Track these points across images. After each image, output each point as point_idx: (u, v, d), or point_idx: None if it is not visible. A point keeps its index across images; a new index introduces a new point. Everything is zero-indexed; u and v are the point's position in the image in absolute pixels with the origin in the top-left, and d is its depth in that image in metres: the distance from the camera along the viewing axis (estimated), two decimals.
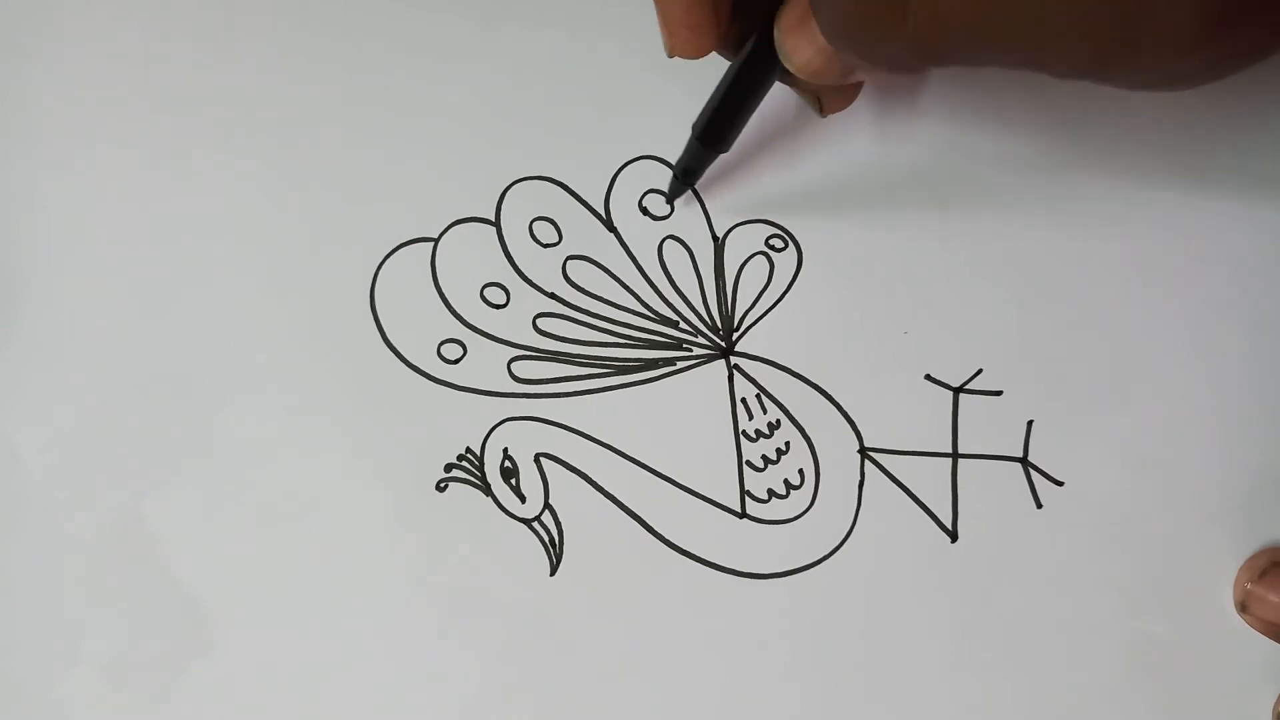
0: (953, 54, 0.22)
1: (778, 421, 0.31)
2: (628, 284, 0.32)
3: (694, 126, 0.29)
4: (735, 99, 0.27)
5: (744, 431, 0.31)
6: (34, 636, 0.31)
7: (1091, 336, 0.31)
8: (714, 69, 0.27)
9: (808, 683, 0.30)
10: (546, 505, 0.31)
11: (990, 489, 0.31)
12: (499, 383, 0.31)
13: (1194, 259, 0.31)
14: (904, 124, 0.32)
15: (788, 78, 0.27)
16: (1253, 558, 0.30)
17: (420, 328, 0.32)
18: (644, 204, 0.32)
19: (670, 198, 0.32)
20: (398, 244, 0.32)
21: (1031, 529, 0.30)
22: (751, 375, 0.31)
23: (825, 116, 0.30)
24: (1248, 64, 0.21)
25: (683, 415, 0.31)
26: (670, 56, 0.24)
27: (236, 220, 0.32)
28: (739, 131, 0.29)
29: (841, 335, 0.31)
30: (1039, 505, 0.30)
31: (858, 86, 0.30)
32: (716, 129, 0.29)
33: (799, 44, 0.24)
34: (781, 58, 0.24)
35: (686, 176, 0.31)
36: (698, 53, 0.24)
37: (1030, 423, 0.31)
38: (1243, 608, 0.29)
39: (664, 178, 0.32)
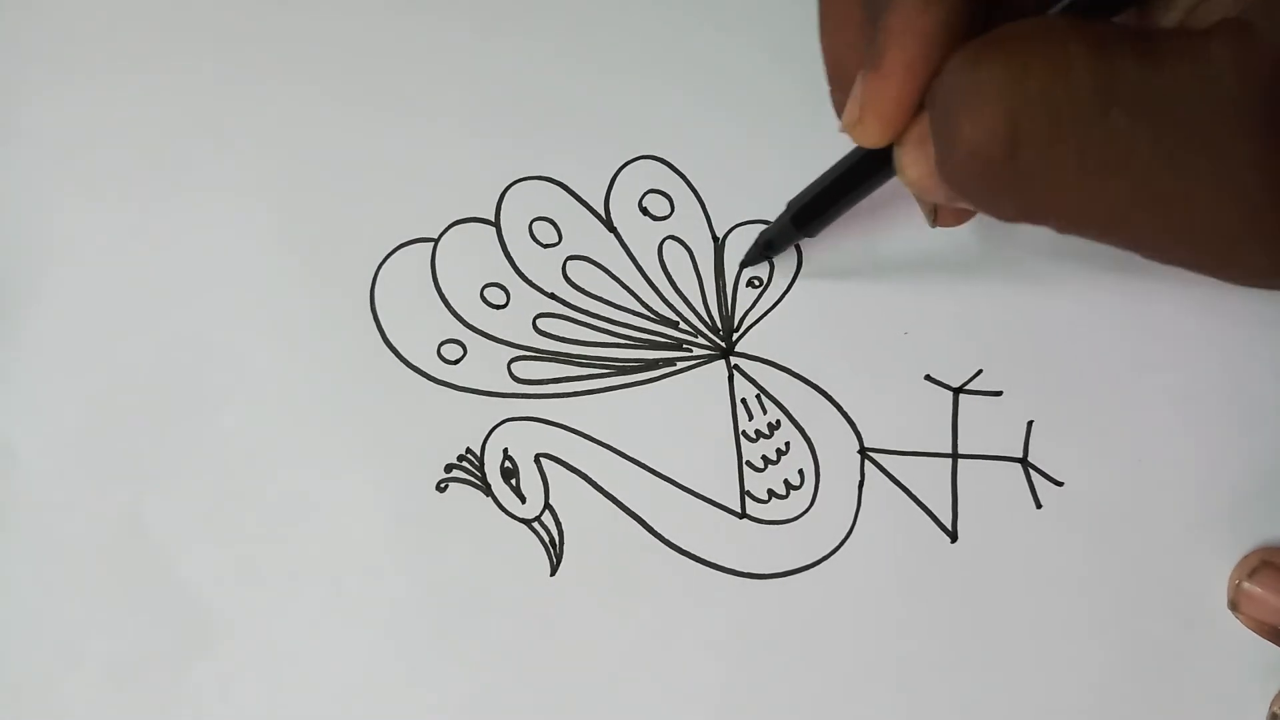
0: (1053, 225, 0.22)
1: (778, 422, 0.31)
2: (628, 284, 0.32)
3: (790, 204, 0.28)
4: (840, 190, 0.27)
5: (744, 432, 0.31)
6: (34, 636, 0.30)
7: (1091, 336, 0.31)
8: (720, 79, 0.27)
9: (808, 683, 0.30)
10: (547, 505, 0.31)
11: (990, 489, 0.31)
12: (499, 383, 0.31)
13: None
14: None
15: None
16: (1245, 557, 0.30)
17: (420, 328, 0.32)
18: (644, 204, 0.32)
19: (746, 264, 0.32)
20: (398, 244, 0.32)
21: (1031, 529, 0.30)
22: (751, 375, 0.31)
23: (934, 228, 0.29)
24: None
25: (683, 415, 0.31)
26: (844, 131, 0.23)
27: (236, 221, 0.32)
28: (833, 220, 0.28)
29: (841, 335, 0.31)
30: (1039, 505, 0.31)
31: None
32: (812, 214, 0.28)
33: (915, 160, 0.23)
34: (896, 167, 0.24)
35: (768, 249, 0.31)
36: (876, 144, 0.23)
37: (1030, 423, 0.31)
38: (1234, 606, 0.30)
39: (665, 178, 0.32)
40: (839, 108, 0.25)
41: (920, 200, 0.28)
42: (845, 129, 0.23)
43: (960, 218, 0.29)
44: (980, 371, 0.31)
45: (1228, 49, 0.19)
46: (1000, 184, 0.21)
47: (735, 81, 0.33)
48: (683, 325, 0.32)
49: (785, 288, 0.32)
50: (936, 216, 0.29)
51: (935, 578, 0.30)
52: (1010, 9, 0.21)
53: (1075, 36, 0.19)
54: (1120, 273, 0.31)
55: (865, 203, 0.31)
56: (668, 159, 0.32)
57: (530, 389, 0.31)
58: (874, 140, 0.23)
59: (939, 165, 0.21)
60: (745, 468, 0.31)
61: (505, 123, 0.33)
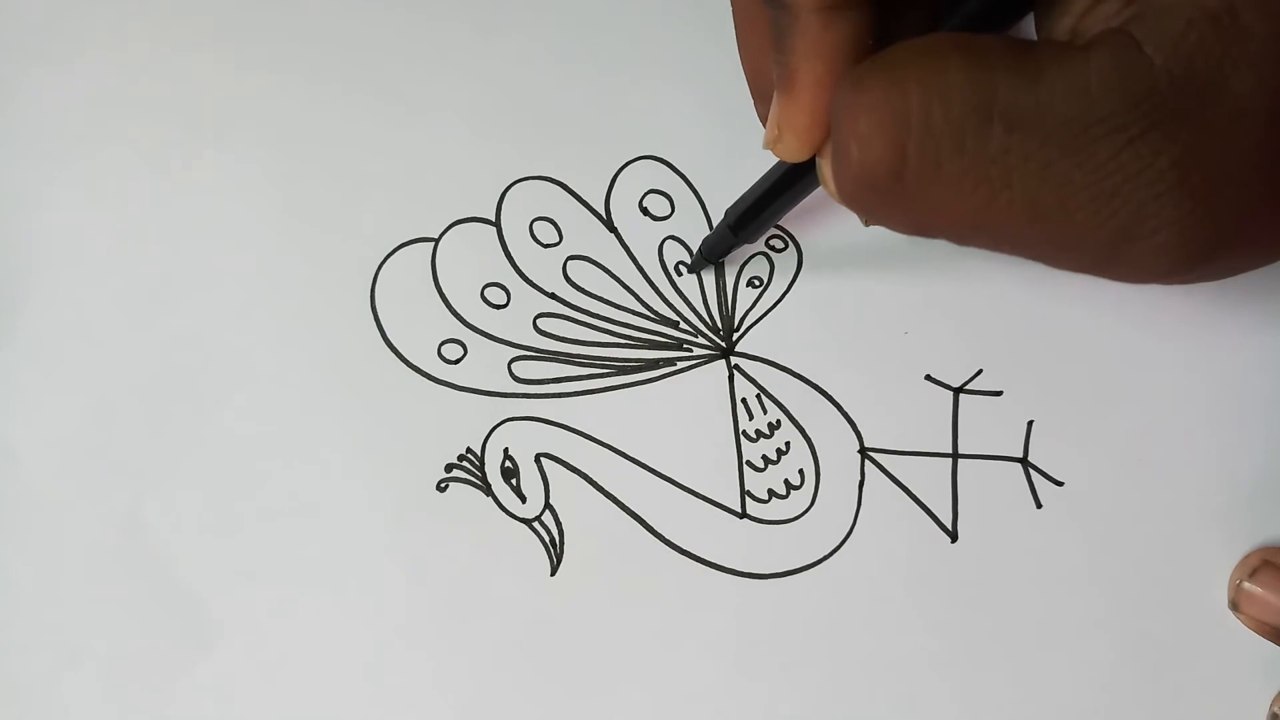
0: (948, 238, 0.22)
1: (778, 422, 0.31)
2: (628, 284, 0.32)
3: (728, 212, 0.29)
4: (772, 198, 0.28)
5: (744, 432, 0.31)
6: (34, 636, 0.30)
7: (1091, 336, 0.31)
8: (719, 79, 0.27)
9: (808, 683, 0.30)
10: (547, 505, 0.31)
11: (990, 489, 0.31)
12: (499, 383, 0.31)
13: None
14: None
15: None
16: (1245, 557, 0.30)
17: (420, 328, 0.32)
18: (644, 204, 0.32)
19: (692, 270, 0.32)
20: (398, 244, 0.32)
21: (1031, 529, 0.30)
22: (752, 375, 0.31)
23: (868, 226, 0.30)
24: (1236, 274, 0.22)
25: (683, 415, 0.31)
26: (767, 148, 0.24)
27: (237, 220, 0.32)
28: (769, 227, 0.29)
29: (841, 335, 0.31)
30: (1039, 505, 0.31)
31: None
32: (748, 220, 0.29)
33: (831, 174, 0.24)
34: (819, 178, 0.24)
35: (710, 255, 0.31)
36: (796, 159, 0.24)
37: (1030, 423, 0.31)
38: (1235, 606, 0.30)
39: (665, 178, 0.32)
40: (764, 123, 0.25)
41: None
42: (767, 146, 0.24)
43: None
44: (980, 371, 0.31)
45: (1106, 61, 0.19)
46: (890, 202, 0.21)
47: (735, 82, 0.33)
48: (683, 325, 0.32)
49: (785, 288, 0.32)
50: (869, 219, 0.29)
51: (935, 578, 0.30)
52: (913, 23, 0.22)
53: (955, 54, 0.20)
54: None
55: None
56: (668, 159, 0.32)
57: (530, 389, 0.31)
58: (794, 156, 0.24)
59: (836, 183, 0.22)
60: (745, 467, 0.31)
61: (506, 123, 0.33)
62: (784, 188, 0.27)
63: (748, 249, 0.32)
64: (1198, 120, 0.19)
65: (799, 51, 0.22)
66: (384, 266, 0.32)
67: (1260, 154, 0.19)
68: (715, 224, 0.31)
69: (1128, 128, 0.19)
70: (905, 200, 0.21)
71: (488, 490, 0.31)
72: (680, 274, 0.32)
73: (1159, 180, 0.19)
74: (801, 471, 0.31)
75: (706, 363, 0.31)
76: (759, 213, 0.28)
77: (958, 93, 0.20)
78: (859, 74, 0.21)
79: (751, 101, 0.27)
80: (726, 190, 0.32)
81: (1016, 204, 0.20)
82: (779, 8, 0.22)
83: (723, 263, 0.32)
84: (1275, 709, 0.29)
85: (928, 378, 0.31)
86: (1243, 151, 0.19)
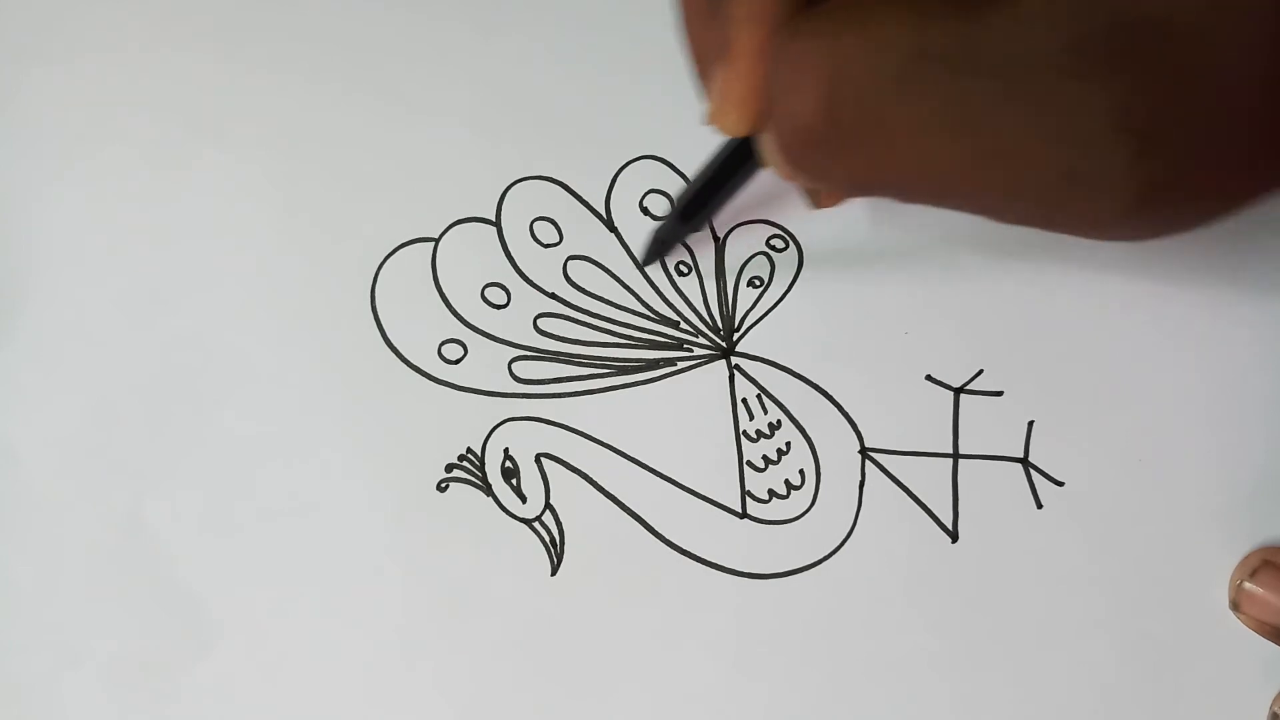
0: (890, 196, 0.22)
1: (778, 422, 0.31)
2: (628, 284, 0.32)
3: (676, 201, 0.29)
4: (718, 183, 0.28)
5: (745, 432, 0.31)
6: (34, 636, 0.30)
7: (1091, 336, 0.31)
8: None
9: (808, 683, 0.30)
10: (547, 505, 0.31)
11: (990, 489, 0.31)
12: (500, 383, 0.31)
13: (1194, 257, 0.31)
14: None
15: None
16: (1246, 557, 0.30)
17: (421, 328, 0.32)
18: (644, 204, 0.32)
19: (645, 263, 0.32)
20: (398, 244, 0.32)
21: (1031, 529, 0.30)
22: (752, 375, 0.31)
23: (818, 209, 0.30)
24: (1184, 230, 0.22)
25: (683, 415, 0.31)
26: (707, 124, 0.24)
27: (237, 221, 0.32)
28: (717, 212, 0.29)
29: (842, 335, 0.31)
30: (1039, 505, 0.31)
31: None
32: (696, 208, 0.29)
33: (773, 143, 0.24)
34: (763, 155, 0.24)
35: (662, 247, 0.31)
36: (738, 133, 0.23)
37: (1031, 423, 0.31)
38: (1235, 606, 0.30)
39: (666, 178, 0.32)
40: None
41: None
42: (709, 121, 0.24)
43: (839, 196, 0.29)
44: (980, 371, 0.31)
45: (1043, 0, 0.19)
46: (829, 156, 0.21)
47: None
48: (683, 325, 0.32)
49: (785, 288, 0.32)
50: (817, 199, 0.29)
51: (936, 578, 0.30)
52: None
53: (892, 1, 0.20)
54: (1121, 272, 0.31)
55: (864, 202, 0.31)
56: (668, 159, 0.32)
57: (531, 389, 0.31)
58: (736, 129, 0.23)
59: (777, 144, 0.22)
60: (746, 467, 0.31)
61: (506, 123, 0.33)
62: (729, 171, 0.27)
63: (746, 250, 0.32)
64: (1139, 59, 0.19)
65: (736, 18, 0.22)
66: (384, 266, 0.32)
67: (1207, 97, 0.19)
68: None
69: (1064, 67, 0.19)
70: (847, 154, 0.21)
71: (488, 490, 0.31)
72: (682, 274, 0.32)
73: (1100, 121, 0.19)
74: (802, 471, 0.31)
75: (707, 363, 0.31)
76: (706, 199, 0.28)
77: (894, 39, 0.19)
78: (794, 27, 0.21)
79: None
80: None
81: (959, 149, 0.20)
82: None
83: (723, 263, 0.32)
84: (1275, 709, 0.29)
85: (928, 378, 0.31)
86: (1190, 93, 0.19)
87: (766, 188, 0.32)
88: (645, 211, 0.32)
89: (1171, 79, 0.19)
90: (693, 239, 0.32)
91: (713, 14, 0.22)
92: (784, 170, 0.23)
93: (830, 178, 0.22)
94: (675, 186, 0.32)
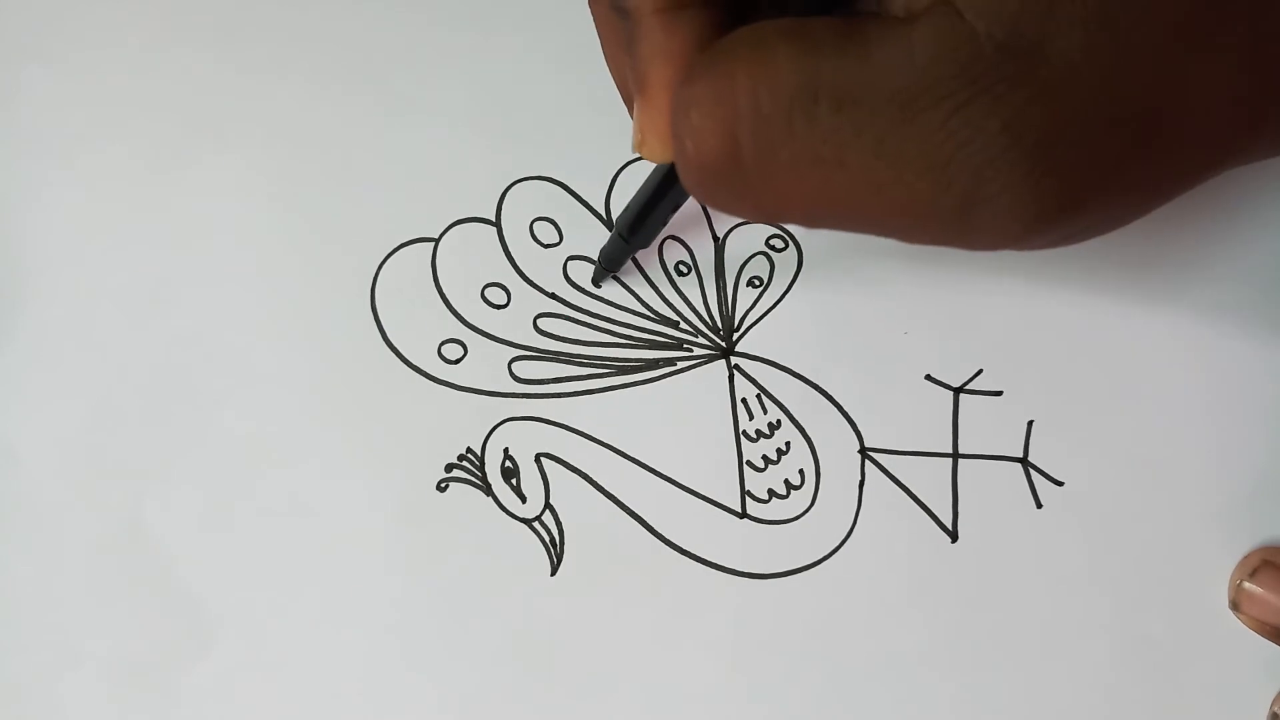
0: (798, 222, 0.22)
1: (778, 422, 0.31)
2: (628, 284, 0.32)
3: (617, 221, 0.29)
4: (655, 202, 0.28)
5: (744, 432, 0.31)
6: (34, 636, 0.30)
7: (1091, 336, 0.31)
8: None
9: (808, 683, 0.30)
10: (547, 505, 0.31)
11: (990, 489, 0.31)
12: (500, 383, 0.31)
13: (1194, 258, 0.31)
14: None
15: None
16: (1246, 557, 0.30)
17: (421, 328, 0.32)
18: None
19: (595, 281, 0.32)
20: (398, 244, 0.32)
21: (1031, 529, 0.30)
22: (752, 375, 0.31)
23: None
24: (1094, 236, 0.22)
25: (683, 415, 0.31)
26: (635, 153, 0.24)
27: (237, 221, 0.32)
28: (659, 230, 0.29)
29: (842, 335, 0.31)
30: (1039, 505, 0.31)
31: None
32: (638, 227, 0.29)
33: None
34: None
35: (609, 265, 0.31)
36: (662, 160, 0.24)
37: (1030, 423, 0.31)
38: (1235, 606, 0.30)
39: None
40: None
41: None
42: (636, 150, 0.24)
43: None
44: (980, 371, 0.31)
45: (929, 31, 0.19)
46: (733, 192, 0.21)
47: None
48: (683, 325, 0.32)
49: (785, 288, 0.32)
50: None
51: (936, 578, 0.30)
52: (768, 16, 0.22)
53: (781, 39, 0.20)
54: (1121, 272, 0.31)
55: None
56: None
57: (531, 389, 0.31)
58: (659, 157, 0.24)
59: (681, 177, 0.22)
60: (746, 467, 0.31)
61: (506, 123, 0.33)
62: (664, 191, 0.27)
63: (746, 250, 0.32)
64: (1027, 83, 0.19)
65: (645, 56, 0.22)
66: (384, 266, 0.32)
67: (1095, 112, 0.19)
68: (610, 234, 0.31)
69: (955, 94, 0.19)
70: (748, 188, 0.21)
71: (488, 490, 0.31)
72: (682, 274, 0.32)
73: (992, 144, 0.19)
74: (802, 471, 0.31)
75: (706, 363, 0.31)
76: (645, 218, 0.28)
77: (783, 77, 0.20)
78: (689, 68, 0.21)
79: None
80: None
81: (855, 181, 0.20)
82: (624, 14, 0.22)
83: (723, 263, 0.32)
84: (1275, 709, 0.29)
85: (928, 378, 0.31)
86: (1077, 111, 0.19)
87: None
88: None
89: (1058, 99, 0.19)
90: (693, 239, 0.32)
91: (627, 49, 0.23)
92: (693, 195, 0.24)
93: (739, 210, 0.22)
94: None
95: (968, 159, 0.19)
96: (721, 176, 0.21)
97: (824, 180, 0.20)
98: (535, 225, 0.32)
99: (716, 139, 0.20)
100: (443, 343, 0.32)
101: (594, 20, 0.25)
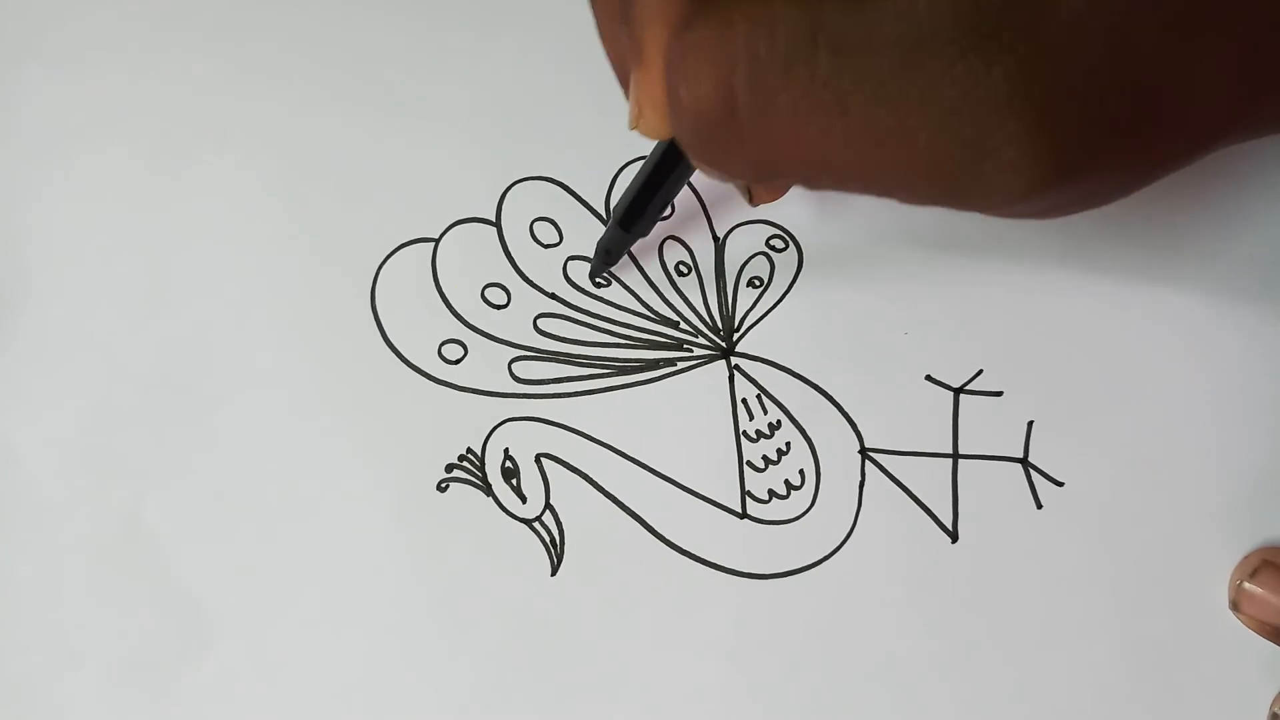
0: (797, 180, 0.22)
1: (778, 422, 0.31)
2: (628, 284, 0.32)
3: (614, 211, 0.29)
4: (653, 187, 0.28)
5: (745, 432, 0.31)
6: (34, 636, 0.30)
7: (1091, 336, 0.31)
8: None
9: (808, 683, 0.30)
10: (547, 505, 0.31)
11: (990, 489, 0.31)
12: (500, 383, 0.31)
13: (1194, 258, 0.31)
14: None
15: None
16: (1246, 557, 0.30)
17: (421, 328, 0.32)
18: None
19: (592, 274, 0.32)
20: (398, 244, 0.32)
21: (1031, 529, 0.30)
22: (752, 375, 0.31)
23: (755, 205, 0.30)
24: (1095, 206, 0.22)
25: (683, 416, 0.31)
26: (632, 129, 0.24)
27: (237, 221, 0.32)
28: (657, 218, 0.29)
29: (842, 335, 0.31)
30: (1039, 505, 0.31)
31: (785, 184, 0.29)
32: (636, 215, 0.29)
33: None
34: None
35: (609, 256, 0.31)
36: (660, 136, 0.23)
37: (1030, 423, 0.31)
38: (1235, 606, 0.30)
39: None
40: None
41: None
42: (632, 127, 0.24)
43: (776, 191, 0.29)
44: (980, 371, 0.31)
45: None
46: (730, 144, 0.21)
47: None
48: (683, 325, 0.32)
49: (785, 288, 0.32)
50: (751, 195, 0.29)
51: (935, 578, 0.30)
52: None
53: None
54: (1120, 272, 0.31)
55: (864, 202, 0.31)
56: None
57: (531, 389, 0.31)
58: (658, 133, 0.23)
59: (677, 134, 0.21)
60: (746, 468, 0.31)
61: (506, 123, 0.33)
62: (663, 174, 0.27)
63: (746, 250, 0.32)
64: (1032, 32, 0.19)
65: (641, 20, 0.22)
66: (384, 266, 0.32)
67: (1099, 73, 0.19)
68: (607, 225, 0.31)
69: (958, 40, 0.19)
70: (745, 140, 0.21)
71: (488, 490, 0.31)
72: (682, 274, 0.32)
73: (997, 93, 0.19)
74: (802, 472, 0.31)
75: (707, 363, 0.31)
76: (644, 204, 0.28)
77: (782, 22, 0.19)
78: (687, 16, 0.21)
79: None
80: (726, 190, 0.32)
81: (855, 130, 0.20)
82: None
83: (723, 263, 0.32)
84: (1275, 709, 0.29)
85: (928, 378, 0.31)
86: (1081, 70, 0.19)
87: None
88: None
89: (1064, 52, 0.19)
90: (693, 239, 0.32)
91: (622, 16, 0.22)
92: (691, 156, 0.23)
93: (734, 168, 0.22)
94: None
95: (972, 107, 0.19)
96: (718, 128, 0.20)
97: (824, 130, 0.20)
98: (535, 225, 0.32)
99: (712, 86, 0.20)
100: (443, 343, 0.32)
101: None
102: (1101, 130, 0.20)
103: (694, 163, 0.23)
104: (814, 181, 0.22)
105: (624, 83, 0.25)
